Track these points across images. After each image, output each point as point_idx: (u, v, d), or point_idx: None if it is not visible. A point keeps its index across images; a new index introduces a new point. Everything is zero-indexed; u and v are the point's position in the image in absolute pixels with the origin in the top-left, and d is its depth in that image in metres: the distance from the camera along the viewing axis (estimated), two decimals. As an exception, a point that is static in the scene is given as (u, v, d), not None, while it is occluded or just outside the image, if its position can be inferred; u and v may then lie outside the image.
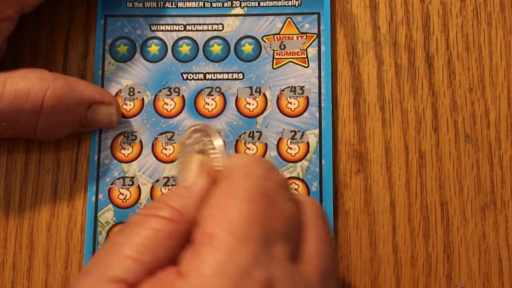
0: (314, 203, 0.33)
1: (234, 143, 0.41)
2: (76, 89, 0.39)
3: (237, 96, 0.42)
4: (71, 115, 0.39)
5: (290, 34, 0.42)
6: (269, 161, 0.32)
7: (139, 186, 0.41)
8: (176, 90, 0.42)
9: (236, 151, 0.41)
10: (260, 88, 0.42)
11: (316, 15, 0.42)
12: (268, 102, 0.41)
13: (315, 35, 0.42)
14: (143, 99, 0.42)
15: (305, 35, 0.42)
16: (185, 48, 0.42)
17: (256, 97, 0.42)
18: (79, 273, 0.30)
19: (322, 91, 0.41)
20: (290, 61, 0.42)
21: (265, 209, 0.29)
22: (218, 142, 0.33)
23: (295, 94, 0.41)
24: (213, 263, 0.27)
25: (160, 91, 0.42)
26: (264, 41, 0.42)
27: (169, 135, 0.41)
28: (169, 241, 0.29)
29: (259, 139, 0.41)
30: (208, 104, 0.42)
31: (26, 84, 0.37)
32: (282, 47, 0.42)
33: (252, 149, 0.41)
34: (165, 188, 0.41)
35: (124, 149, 0.41)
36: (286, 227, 0.29)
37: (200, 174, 0.32)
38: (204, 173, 0.32)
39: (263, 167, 0.31)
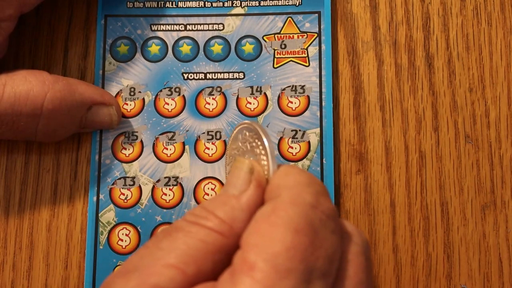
0: (361, 236, 0.31)
1: (235, 143, 0.41)
2: (76, 91, 0.38)
3: (238, 96, 0.42)
4: (71, 117, 0.39)
5: (290, 34, 0.42)
6: (321, 184, 0.31)
7: (140, 186, 0.41)
8: (177, 90, 0.42)
9: (237, 151, 0.41)
10: (261, 88, 0.42)
11: (316, 14, 0.42)
12: (269, 102, 0.41)
13: (316, 34, 0.42)
14: (143, 99, 0.42)
15: (305, 34, 0.42)
16: (185, 48, 0.42)
17: (257, 97, 0.42)
18: (118, 272, 0.29)
19: (323, 90, 0.41)
20: (291, 60, 0.42)
21: (309, 244, 0.28)
22: (268, 145, 0.32)
23: (296, 93, 0.41)
24: None
25: (160, 91, 0.42)
26: (265, 41, 0.42)
27: (170, 135, 0.41)
28: (216, 255, 0.29)
29: (260, 139, 0.41)
30: (209, 103, 0.42)
31: (26, 87, 0.37)
32: (283, 46, 0.42)
33: (253, 149, 0.41)
34: (166, 188, 0.41)
35: (125, 149, 0.41)
36: (327, 264, 0.28)
37: (249, 182, 0.31)
38: (254, 182, 0.31)
39: (312, 193, 0.30)
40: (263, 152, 0.32)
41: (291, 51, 0.42)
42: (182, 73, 0.42)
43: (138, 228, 0.40)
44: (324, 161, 0.40)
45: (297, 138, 0.41)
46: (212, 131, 0.41)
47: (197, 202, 0.40)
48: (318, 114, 0.41)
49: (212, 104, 0.42)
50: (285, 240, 0.28)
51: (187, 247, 0.29)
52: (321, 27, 0.42)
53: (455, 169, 0.41)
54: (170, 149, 0.41)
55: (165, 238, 0.29)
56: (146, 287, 0.27)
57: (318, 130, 0.41)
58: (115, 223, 0.40)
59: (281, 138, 0.41)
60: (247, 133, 0.34)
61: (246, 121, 0.34)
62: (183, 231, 0.29)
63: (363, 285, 0.30)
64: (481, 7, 0.43)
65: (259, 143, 0.33)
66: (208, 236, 0.29)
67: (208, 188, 0.41)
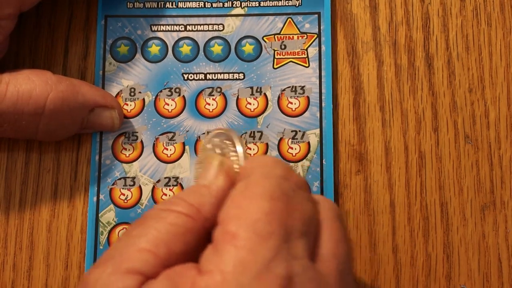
0: (331, 203, 0.33)
1: (235, 143, 0.41)
2: (79, 93, 0.39)
3: (238, 96, 0.42)
4: (73, 118, 0.39)
5: (290, 34, 0.42)
6: (288, 164, 0.32)
7: (140, 187, 0.41)
8: (177, 90, 0.42)
9: (237, 151, 0.41)
10: (260, 88, 0.42)
11: (316, 15, 0.42)
12: (269, 102, 0.41)
13: (316, 35, 0.42)
14: (144, 99, 0.42)
15: (305, 35, 0.42)
16: (185, 48, 0.42)
17: (257, 97, 0.42)
18: (94, 264, 0.30)
19: (323, 90, 0.41)
20: (291, 61, 0.42)
21: (285, 208, 0.29)
22: (239, 146, 0.33)
23: (295, 94, 0.41)
24: (235, 260, 0.28)
25: (161, 91, 0.42)
26: (265, 41, 0.42)
27: (170, 135, 0.41)
28: (185, 236, 0.30)
29: (260, 139, 0.41)
30: (209, 104, 0.42)
31: (29, 87, 0.37)
32: (283, 47, 0.42)
33: (253, 149, 0.41)
34: (166, 188, 0.41)
35: (125, 149, 0.41)
36: (305, 225, 0.30)
37: (219, 173, 0.32)
38: (223, 172, 0.32)
39: (282, 168, 0.32)
40: (233, 149, 0.33)
41: (291, 52, 0.42)
42: (182, 74, 0.42)
43: (138, 228, 0.40)
44: (324, 162, 0.40)
45: (297, 138, 0.41)
46: (212, 132, 0.41)
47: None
48: (318, 114, 0.41)
49: (212, 105, 0.42)
50: (262, 207, 0.29)
51: (157, 231, 0.30)
52: (321, 27, 0.42)
53: (454, 169, 0.41)
54: (170, 150, 0.41)
55: (136, 226, 0.31)
56: (121, 272, 0.29)
57: (318, 130, 0.41)
58: (115, 223, 0.40)
59: (281, 139, 0.41)
60: (216, 139, 0.35)
61: (216, 129, 0.36)
62: (154, 218, 0.31)
63: (341, 243, 0.31)
64: (481, 7, 0.43)
65: (228, 143, 0.34)
66: (177, 219, 0.30)
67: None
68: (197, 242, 0.30)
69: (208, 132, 0.41)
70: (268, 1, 0.43)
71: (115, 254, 0.30)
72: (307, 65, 0.42)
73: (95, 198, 0.41)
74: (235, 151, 0.33)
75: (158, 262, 0.29)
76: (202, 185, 0.32)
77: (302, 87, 0.42)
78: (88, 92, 0.39)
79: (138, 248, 0.29)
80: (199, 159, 0.36)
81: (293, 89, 0.42)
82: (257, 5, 0.43)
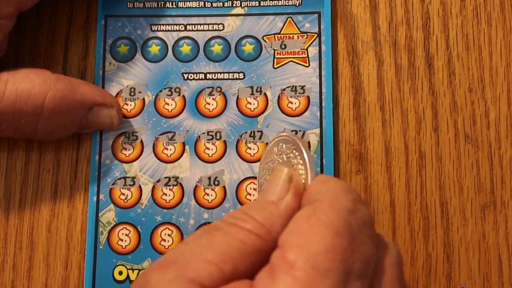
0: (395, 248, 0.32)
1: (235, 143, 0.41)
2: (77, 92, 0.38)
3: (238, 96, 0.42)
4: (72, 117, 0.39)
5: (290, 34, 0.42)
6: (357, 192, 0.32)
7: (140, 186, 0.41)
8: (177, 90, 0.42)
9: (237, 151, 0.41)
10: (261, 88, 0.42)
11: (316, 15, 0.42)
12: (269, 102, 0.41)
13: (316, 35, 0.42)
14: (144, 99, 0.42)
15: (305, 35, 0.42)
16: (185, 48, 0.42)
17: (257, 97, 0.42)
18: (155, 264, 0.29)
19: (323, 90, 0.41)
20: (291, 61, 0.42)
21: (348, 246, 0.29)
22: (307, 159, 0.33)
23: (296, 93, 0.41)
24: None
25: (161, 91, 0.42)
26: (265, 41, 0.42)
27: (170, 135, 0.41)
28: (253, 256, 0.29)
29: (260, 138, 0.41)
30: (209, 104, 0.42)
31: (28, 85, 0.37)
32: (283, 46, 0.42)
33: (253, 149, 0.41)
34: (166, 188, 0.41)
35: (125, 149, 0.41)
36: (364, 266, 0.29)
37: (288, 190, 0.32)
38: (293, 190, 0.32)
39: (351, 199, 0.31)
40: (301, 162, 0.33)
41: (291, 52, 0.42)
42: (182, 73, 0.42)
43: (138, 228, 0.40)
44: (324, 162, 0.40)
45: (297, 138, 0.41)
46: (212, 131, 0.41)
47: (197, 202, 0.40)
48: (318, 114, 0.41)
49: (212, 104, 0.42)
50: (325, 241, 0.28)
51: (226, 245, 0.29)
52: (321, 27, 0.42)
53: (455, 169, 0.41)
54: (170, 149, 0.41)
55: (204, 235, 0.30)
56: (184, 280, 0.28)
57: (318, 130, 0.41)
58: (115, 223, 0.40)
59: (281, 138, 0.41)
60: (284, 145, 0.35)
61: (283, 134, 0.36)
62: (222, 230, 0.30)
63: None
64: (481, 7, 0.43)
65: (297, 153, 0.33)
66: (247, 238, 0.30)
67: (208, 189, 0.41)
68: (264, 262, 0.29)
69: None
70: (268, 1, 0.43)
71: (179, 259, 0.29)
72: (307, 64, 0.42)
73: (95, 198, 0.41)
74: (303, 164, 0.33)
75: (222, 278, 0.28)
76: (270, 202, 0.32)
77: (302, 87, 0.42)
78: (86, 91, 0.39)
79: (205, 259, 0.29)
80: (264, 161, 0.36)
81: (293, 89, 0.42)
82: (257, 4, 0.43)
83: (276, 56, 0.42)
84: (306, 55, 0.42)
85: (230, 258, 0.29)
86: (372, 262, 0.30)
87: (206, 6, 0.43)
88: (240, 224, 0.30)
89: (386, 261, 0.31)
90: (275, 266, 0.28)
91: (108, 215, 0.40)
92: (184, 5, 0.43)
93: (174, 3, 0.43)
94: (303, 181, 0.33)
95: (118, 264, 0.40)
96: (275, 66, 0.42)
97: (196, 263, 0.29)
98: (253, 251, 0.29)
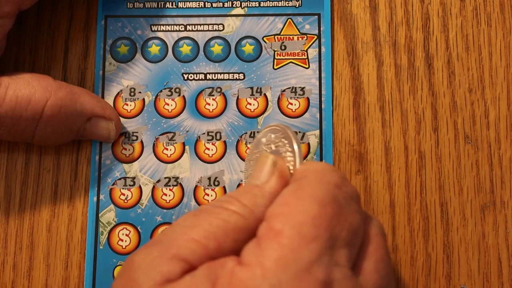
0: (378, 221, 0.33)
1: (235, 143, 0.41)
2: (78, 101, 0.38)
3: (238, 97, 0.42)
4: (69, 126, 0.39)
5: (290, 35, 0.42)
6: (343, 173, 0.33)
7: (140, 187, 0.41)
8: (177, 90, 0.42)
9: (237, 151, 0.41)
10: (261, 89, 0.42)
11: (316, 16, 0.42)
12: (269, 103, 0.42)
13: (316, 36, 0.42)
14: (144, 99, 0.42)
15: (305, 36, 0.42)
16: (185, 48, 0.42)
17: (257, 98, 0.42)
18: (141, 247, 0.31)
19: (323, 92, 0.41)
20: (291, 62, 0.42)
21: (334, 215, 0.30)
22: (296, 146, 0.33)
23: (295, 95, 0.41)
24: (277, 256, 0.28)
25: (161, 91, 0.42)
26: (265, 42, 0.42)
27: (170, 135, 0.41)
28: (236, 234, 0.30)
29: (260, 139, 0.41)
30: (209, 104, 0.42)
31: (28, 92, 0.37)
32: (283, 47, 0.42)
33: (253, 150, 0.41)
34: (166, 188, 0.41)
35: (125, 149, 0.41)
36: (351, 235, 0.30)
37: (272, 174, 0.32)
38: (277, 173, 0.32)
39: (337, 176, 0.32)
40: (289, 149, 0.33)
41: (291, 53, 0.42)
42: (182, 74, 0.42)
43: (138, 228, 0.40)
44: (324, 162, 0.40)
45: (297, 139, 0.41)
46: (212, 132, 0.41)
47: (197, 202, 0.40)
48: (318, 116, 0.41)
49: (212, 105, 0.42)
50: (311, 210, 0.29)
51: (209, 224, 0.30)
52: (321, 29, 0.42)
53: (454, 169, 0.41)
54: (170, 150, 0.41)
55: (190, 217, 0.31)
56: (167, 256, 0.29)
57: (317, 132, 0.41)
58: (115, 223, 0.40)
59: (281, 139, 0.41)
60: (272, 135, 0.35)
61: (272, 124, 0.35)
62: (207, 212, 0.31)
63: (384, 262, 0.31)
64: (481, 7, 0.43)
65: (286, 141, 0.34)
66: (230, 217, 0.30)
67: (208, 189, 0.41)
68: (247, 241, 0.30)
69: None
70: (268, 2, 0.43)
71: (164, 239, 0.30)
72: (307, 66, 0.42)
73: (95, 198, 0.41)
74: (291, 151, 0.33)
75: (205, 254, 0.29)
76: (254, 185, 0.32)
77: (302, 88, 0.42)
78: (87, 102, 0.39)
79: (188, 237, 0.30)
80: (251, 152, 0.36)
81: (293, 90, 0.42)
82: (257, 5, 0.43)
83: (276, 57, 0.42)
84: (306, 57, 0.42)
85: (213, 235, 0.30)
86: (360, 233, 0.31)
87: (206, 6, 0.43)
88: (225, 205, 0.31)
89: (371, 232, 0.32)
90: (262, 236, 0.29)
91: (108, 215, 0.40)
92: (184, 5, 0.43)
93: (174, 3, 0.43)
94: (291, 167, 0.33)
95: (118, 264, 0.40)
96: (275, 67, 0.42)
97: (179, 242, 0.30)
98: (236, 228, 0.30)
